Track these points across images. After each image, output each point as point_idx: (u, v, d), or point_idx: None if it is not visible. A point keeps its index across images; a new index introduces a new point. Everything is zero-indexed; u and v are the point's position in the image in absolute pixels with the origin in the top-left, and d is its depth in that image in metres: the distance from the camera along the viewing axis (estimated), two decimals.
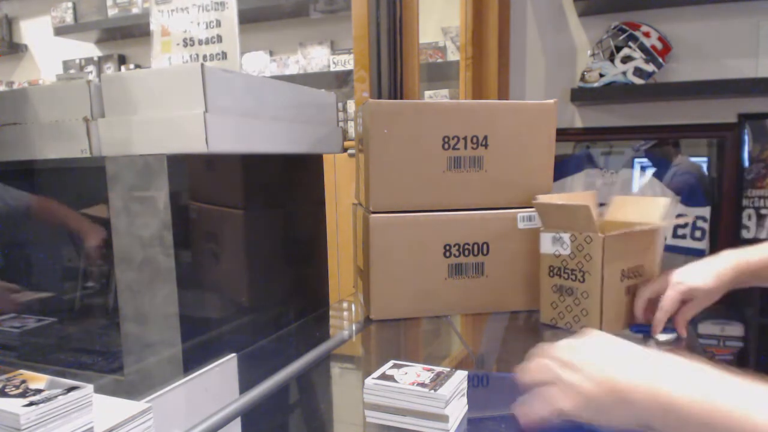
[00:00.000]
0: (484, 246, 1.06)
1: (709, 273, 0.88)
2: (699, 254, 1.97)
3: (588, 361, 0.56)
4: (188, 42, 0.97)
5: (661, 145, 2.07)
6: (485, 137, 1.05)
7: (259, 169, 1.00)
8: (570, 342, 0.60)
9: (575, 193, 1.11)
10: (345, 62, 2.81)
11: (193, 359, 0.77)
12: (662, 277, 0.93)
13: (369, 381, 0.65)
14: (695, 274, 0.89)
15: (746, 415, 0.46)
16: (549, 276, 1.00)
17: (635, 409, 0.51)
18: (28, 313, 1.03)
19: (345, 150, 1.22)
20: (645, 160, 2.08)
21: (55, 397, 0.46)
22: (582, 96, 2.00)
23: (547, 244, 0.99)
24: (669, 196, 2.02)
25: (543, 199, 1.02)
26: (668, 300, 0.89)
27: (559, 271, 0.98)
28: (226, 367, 0.70)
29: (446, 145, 1.03)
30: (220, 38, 0.95)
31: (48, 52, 3.47)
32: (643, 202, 1.03)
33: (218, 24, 0.95)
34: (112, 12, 3.13)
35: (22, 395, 0.46)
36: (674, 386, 0.50)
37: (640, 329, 0.94)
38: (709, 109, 1.97)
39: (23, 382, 0.48)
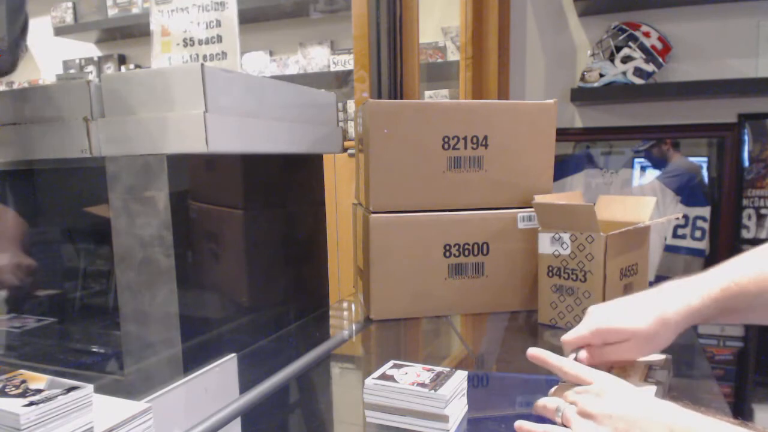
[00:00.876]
0: (484, 246, 1.06)
1: (646, 311, 0.67)
2: (699, 254, 1.97)
3: (607, 414, 0.55)
4: (188, 42, 0.97)
5: (659, 145, 2.07)
6: (485, 137, 1.05)
7: (259, 169, 1.00)
8: (592, 390, 0.60)
9: (563, 193, 1.11)
10: (345, 62, 2.81)
11: (193, 359, 0.77)
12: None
13: (369, 381, 0.65)
14: (625, 313, 0.68)
15: None
16: (548, 276, 1.00)
17: None
18: (28, 314, 1.03)
19: (345, 150, 1.22)
20: (644, 160, 2.08)
21: (55, 397, 0.46)
22: (582, 96, 2.00)
23: (545, 244, 0.99)
24: (669, 196, 2.02)
25: (540, 199, 1.03)
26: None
27: (559, 271, 0.98)
28: (226, 367, 0.70)
29: (446, 145, 1.04)
30: (220, 38, 0.95)
31: (48, 52, 3.47)
32: (629, 202, 1.04)
33: (218, 24, 0.95)
34: (112, 12, 3.13)
35: (22, 395, 0.46)
36: None
37: None
38: (709, 109, 1.97)
39: (23, 382, 0.48)
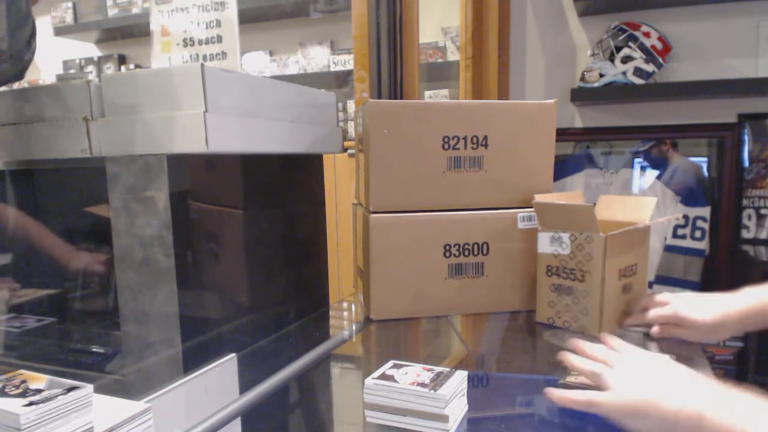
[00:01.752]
0: (484, 246, 1.06)
1: (714, 310, 0.84)
2: (699, 254, 1.97)
3: (635, 372, 0.60)
4: (188, 42, 0.97)
5: (658, 146, 2.07)
6: (485, 137, 1.05)
7: (259, 169, 1.00)
8: (627, 351, 0.66)
9: (564, 192, 1.11)
10: (345, 62, 2.81)
11: (193, 359, 0.77)
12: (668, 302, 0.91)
13: (369, 381, 0.65)
14: (699, 307, 0.86)
15: None
16: (547, 275, 1.00)
17: (668, 427, 0.54)
18: (28, 314, 1.03)
19: (345, 150, 1.22)
20: (643, 160, 2.08)
21: (55, 397, 0.46)
22: (582, 96, 2.00)
23: (545, 244, 0.99)
24: (669, 196, 2.02)
25: (539, 199, 1.03)
26: (658, 316, 0.90)
27: (558, 270, 0.98)
28: (226, 367, 0.70)
29: (446, 145, 1.04)
30: (220, 38, 0.95)
31: (48, 52, 3.47)
32: (630, 202, 1.04)
33: (218, 24, 0.95)
34: (112, 12, 3.13)
35: (22, 395, 0.46)
36: (713, 413, 0.52)
37: None
38: (709, 109, 1.97)
39: (23, 382, 0.48)
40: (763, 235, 1.93)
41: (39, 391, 0.47)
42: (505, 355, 0.95)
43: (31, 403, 0.44)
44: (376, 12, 1.49)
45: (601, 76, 1.95)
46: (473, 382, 0.77)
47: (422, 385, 0.63)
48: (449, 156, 1.04)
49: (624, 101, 2.06)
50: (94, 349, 0.94)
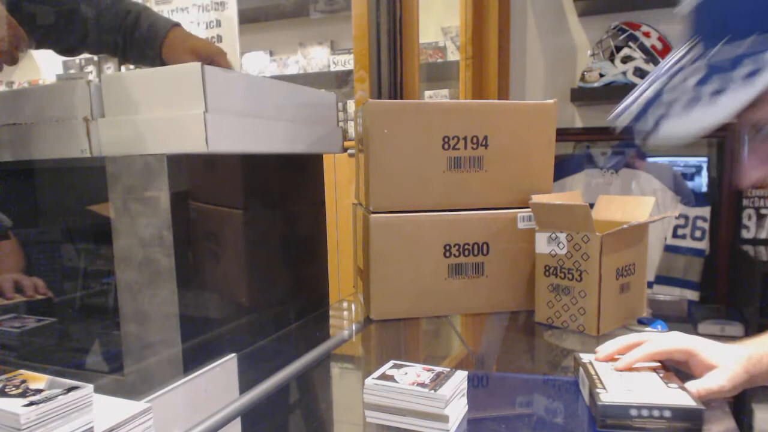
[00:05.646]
0: (484, 246, 1.06)
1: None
2: (699, 254, 1.97)
3: None
4: None
5: (627, 158, 2.07)
6: (485, 137, 1.05)
7: (259, 169, 1.00)
8: None
9: (562, 193, 1.11)
10: (345, 62, 2.81)
11: (193, 359, 0.77)
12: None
13: (369, 381, 0.65)
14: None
15: None
16: (545, 276, 1.00)
17: None
18: (28, 314, 1.03)
19: (345, 150, 1.22)
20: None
21: (55, 397, 0.46)
22: (582, 96, 2.00)
23: (542, 244, 0.99)
24: (669, 196, 2.02)
25: (537, 199, 1.03)
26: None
27: (555, 270, 0.98)
28: (226, 367, 0.70)
29: (446, 145, 1.04)
30: (220, 38, 0.95)
31: (48, 52, 3.47)
32: (629, 201, 1.04)
33: (218, 24, 0.95)
34: None
35: (22, 395, 0.46)
36: None
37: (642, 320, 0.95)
38: None
39: (23, 382, 0.48)
40: (763, 235, 1.93)
41: (39, 391, 0.47)
42: (505, 355, 0.95)
43: (31, 403, 0.44)
44: (376, 12, 1.49)
45: (601, 76, 1.95)
46: (473, 382, 0.77)
47: (422, 385, 0.63)
48: (449, 156, 1.04)
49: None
50: (94, 349, 0.94)
